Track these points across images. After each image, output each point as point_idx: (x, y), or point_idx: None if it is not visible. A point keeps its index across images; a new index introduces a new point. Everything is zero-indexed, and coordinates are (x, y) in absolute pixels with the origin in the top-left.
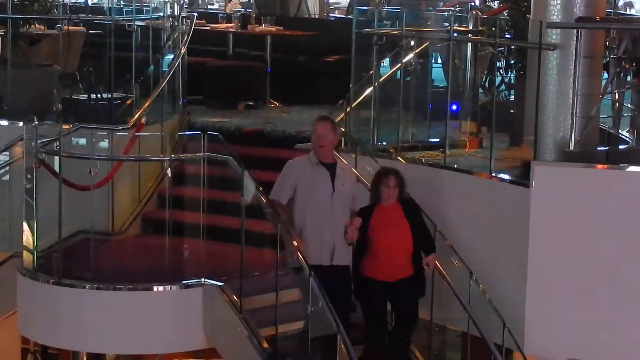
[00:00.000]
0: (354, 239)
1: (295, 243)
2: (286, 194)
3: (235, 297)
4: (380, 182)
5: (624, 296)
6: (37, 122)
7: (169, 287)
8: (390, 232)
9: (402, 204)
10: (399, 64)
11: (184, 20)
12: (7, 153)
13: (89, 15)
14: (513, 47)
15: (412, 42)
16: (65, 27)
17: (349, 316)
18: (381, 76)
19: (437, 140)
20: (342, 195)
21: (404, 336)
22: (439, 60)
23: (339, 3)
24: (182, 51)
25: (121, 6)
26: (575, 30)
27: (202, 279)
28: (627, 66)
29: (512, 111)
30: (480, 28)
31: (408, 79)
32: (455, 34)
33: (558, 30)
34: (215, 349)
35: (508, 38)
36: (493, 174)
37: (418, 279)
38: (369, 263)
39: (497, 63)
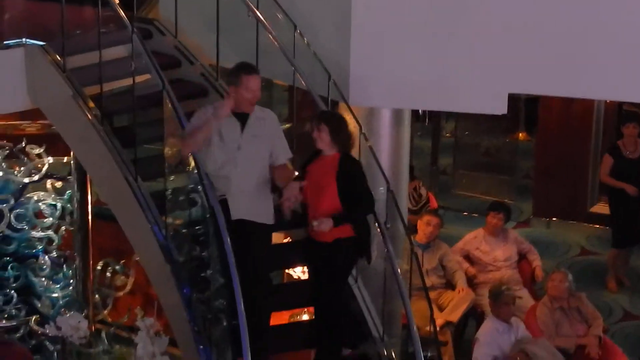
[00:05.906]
0: (289, 212)
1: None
2: None
3: (58, 57)
4: (312, 125)
5: (444, 45)
6: None
7: None
8: (316, 190)
9: (342, 157)
10: None
11: None
12: None
13: None
14: None
15: None
16: None
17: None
18: None
19: None
20: (253, 147)
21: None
22: None
23: None
24: None
25: None
26: None
27: (24, 39)
28: None
29: None
30: None
31: None
32: None
33: None
34: (41, 110)
35: None
36: None
37: (355, 241)
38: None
39: None
